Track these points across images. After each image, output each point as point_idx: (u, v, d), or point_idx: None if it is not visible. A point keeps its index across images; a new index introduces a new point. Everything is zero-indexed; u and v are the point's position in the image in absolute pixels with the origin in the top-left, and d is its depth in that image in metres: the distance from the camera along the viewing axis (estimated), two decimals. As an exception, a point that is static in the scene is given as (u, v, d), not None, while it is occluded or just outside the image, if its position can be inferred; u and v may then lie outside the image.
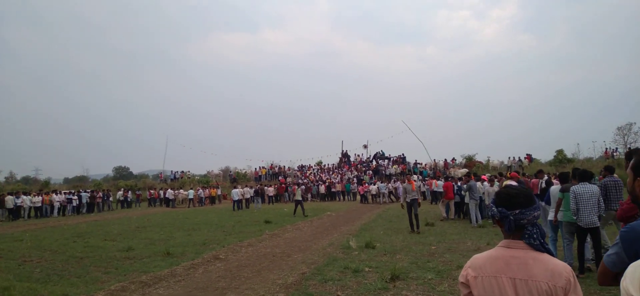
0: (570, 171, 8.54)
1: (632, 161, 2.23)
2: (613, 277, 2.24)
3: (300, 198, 22.64)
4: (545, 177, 14.89)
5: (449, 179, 20.61)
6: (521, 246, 2.03)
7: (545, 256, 2.00)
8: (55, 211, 29.41)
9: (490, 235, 12.11)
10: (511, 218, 2.04)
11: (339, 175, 42.52)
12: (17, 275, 8.89)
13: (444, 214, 17.13)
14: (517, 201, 2.06)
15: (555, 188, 8.29)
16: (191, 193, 35.54)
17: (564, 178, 8.26)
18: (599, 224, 7.18)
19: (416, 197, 13.67)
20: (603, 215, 7.47)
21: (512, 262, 2.00)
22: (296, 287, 7.09)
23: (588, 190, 7.10)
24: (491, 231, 13.01)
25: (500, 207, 2.10)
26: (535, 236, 2.02)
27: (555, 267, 1.95)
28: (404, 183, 14.48)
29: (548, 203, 8.66)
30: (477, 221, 14.29)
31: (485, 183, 16.00)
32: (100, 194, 34.20)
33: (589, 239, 7.48)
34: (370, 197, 33.02)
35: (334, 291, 6.72)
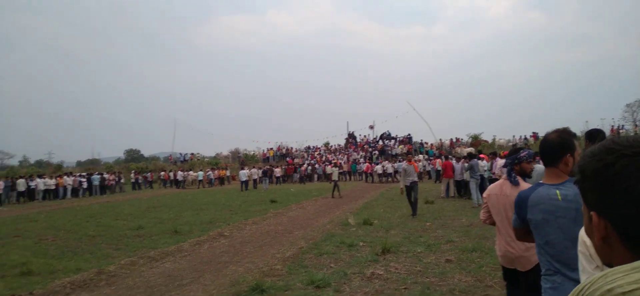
0: None
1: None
2: (524, 233, 2.73)
3: (336, 178, 22.28)
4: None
5: (449, 158, 20.88)
6: (506, 180, 3.68)
7: (518, 185, 3.54)
8: (69, 193, 30.25)
9: (485, 212, 12.52)
10: (504, 162, 3.96)
11: (345, 156, 42.92)
12: (34, 252, 9.47)
13: (444, 193, 17.48)
14: (509, 155, 3.79)
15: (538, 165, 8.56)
16: (201, 175, 36.23)
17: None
18: None
19: (416, 179, 12.59)
20: None
21: (504, 187, 3.63)
22: (293, 260, 7.56)
23: None
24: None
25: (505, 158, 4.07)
26: (511, 175, 3.57)
27: (520, 189, 3.47)
28: (404, 163, 13.60)
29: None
30: (477, 201, 14.41)
31: (484, 161, 16.23)
32: (113, 176, 35.05)
33: None
34: (376, 177, 33.38)
35: (328, 264, 7.18)
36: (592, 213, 0.89)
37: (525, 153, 3.55)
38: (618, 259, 0.85)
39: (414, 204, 12.47)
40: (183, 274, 7.15)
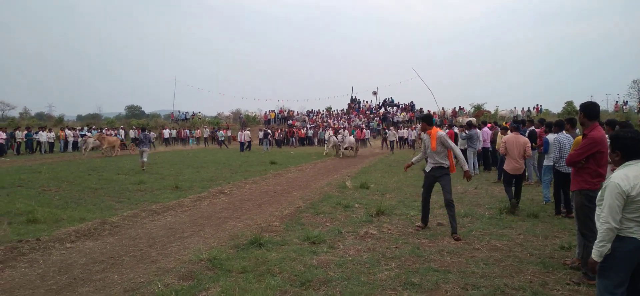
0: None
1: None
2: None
3: (393, 139, 21.17)
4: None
5: (451, 127, 20.91)
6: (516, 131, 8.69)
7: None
8: (69, 146, 30.47)
9: (480, 180, 12.72)
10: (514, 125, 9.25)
11: (347, 121, 42.99)
12: (38, 201, 9.70)
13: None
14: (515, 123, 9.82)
15: (551, 136, 8.50)
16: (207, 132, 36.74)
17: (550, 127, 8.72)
18: None
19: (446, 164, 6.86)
20: None
21: (515, 135, 8.46)
22: (290, 218, 7.80)
23: (569, 139, 7.51)
24: (482, 177, 13.60)
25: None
26: (521, 131, 9.46)
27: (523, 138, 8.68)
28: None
29: (546, 151, 8.82)
30: (474, 170, 14.38)
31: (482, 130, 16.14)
32: (115, 132, 35.27)
33: None
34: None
35: (324, 222, 7.42)
36: (616, 150, 3.11)
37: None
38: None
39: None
40: (184, 227, 7.40)
